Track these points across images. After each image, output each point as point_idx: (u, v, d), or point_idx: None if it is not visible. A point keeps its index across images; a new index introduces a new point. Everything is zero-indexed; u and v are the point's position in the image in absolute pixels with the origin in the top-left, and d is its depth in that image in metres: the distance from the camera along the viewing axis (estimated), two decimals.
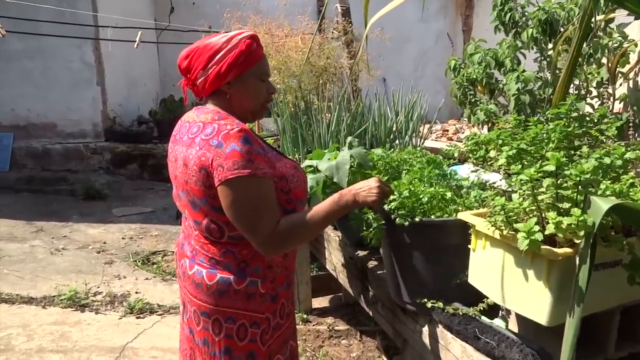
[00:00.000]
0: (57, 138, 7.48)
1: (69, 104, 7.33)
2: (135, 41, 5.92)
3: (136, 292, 3.84)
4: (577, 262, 1.07)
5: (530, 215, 1.29)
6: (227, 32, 1.59)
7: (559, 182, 1.24)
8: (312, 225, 1.50)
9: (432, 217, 1.71)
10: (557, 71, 2.59)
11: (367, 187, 1.56)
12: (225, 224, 1.48)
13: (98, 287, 3.94)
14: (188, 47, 1.57)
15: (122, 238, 5.10)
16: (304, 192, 1.61)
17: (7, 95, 7.31)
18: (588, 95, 2.56)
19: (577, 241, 1.15)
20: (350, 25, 5.04)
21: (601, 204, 1.02)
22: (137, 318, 3.47)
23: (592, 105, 2.53)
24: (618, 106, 2.52)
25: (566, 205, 1.20)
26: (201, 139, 1.46)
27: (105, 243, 4.94)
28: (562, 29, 2.60)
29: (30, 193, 6.68)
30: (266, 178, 1.45)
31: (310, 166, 2.30)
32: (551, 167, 1.22)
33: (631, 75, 2.48)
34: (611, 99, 2.50)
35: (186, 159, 1.48)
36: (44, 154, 7.41)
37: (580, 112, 1.72)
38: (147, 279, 4.11)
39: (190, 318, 1.61)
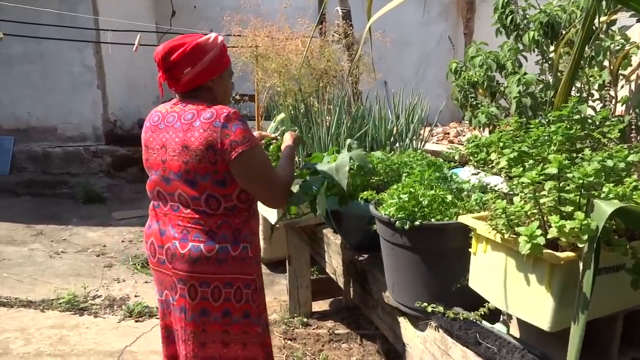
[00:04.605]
0: (57, 141, 7.46)
1: (70, 108, 7.32)
2: (134, 44, 5.91)
3: (135, 296, 3.83)
4: (581, 266, 1.05)
5: (532, 219, 1.27)
6: (206, 33, 1.81)
7: (561, 185, 1.22)
8: (289, 171, 1.90)
9: (433, 220, 1.69)
10: (559, 74, 2.57)
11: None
12: (222, 197, 1.71)
13: (97, 290, 3.92)
14: (167, 44, 1.72)
15: (122, 241, 5.09)
16: None
17: (8, 98, 7.31)
18: (590, 98, 2.54)
19: (580, 245, 1.13)
20: (350, 28, 5.03)
21: (605, 207, 1.00)
22: (136, 322, 3.45)
23: (593, 108, 2.52)
24: (620, 109, 2.50)
25: (569, 208, 1.18)
26: (201, 122, 1.67)
27: (104, 246, 4.93)
28: (563, 32, 2.59)
29: (30, 196, 6.67)
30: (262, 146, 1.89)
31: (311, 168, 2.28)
32: (553, 170, 1.20)
33: (633, 77, 2.46)
34: (613, 101, 2.48)
35: (186, 141, 1.67)
36: (44, 157, 7.40)
37: (582, 115, 1.70)
38: (146, 282, 4.09)
39: (182, 297, 1.76)
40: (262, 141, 2.36)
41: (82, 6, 6.91)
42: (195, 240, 1.71)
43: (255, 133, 2.30)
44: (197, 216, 1.72)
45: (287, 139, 2.11)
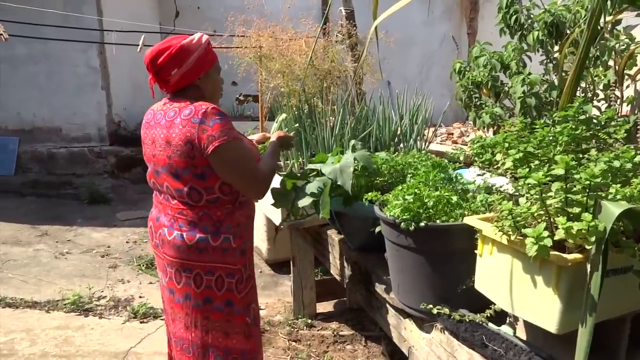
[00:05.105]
0: (62, 142, 7.47)
1: (74, 108, 7.34)
2: (138, 45, 5.92)
3: (140, 297, 3.83)
4: (588, 268, 1.04)
5: (539, 220, 1.26)
6: (191, 33, 1.91)
7: (568, 186, 1.21)
8: (270, 164, 1.96)
9: (438, 221, 1.69)
10: (564, 74, 2.56)
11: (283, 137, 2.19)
12: (204, 189, 1.81)
13: (102, 291, 3.93)
14: (155, 48, 1.83)
15: (126, 242, 5.09)
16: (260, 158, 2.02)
17: (13, 99, 7.33)
18: (595, 98, 2.53)
19: (587, 247, 1.12)
20: (354, 28, 5.02)
21: (613, 209, 0.99)
22: (141, 323, 3.45)
23: (599, 108, 2.50)
24: (625, 109, 2.49)
25: (576, 209, 1.17)
26: (181, 119, 1.77)
27: (109, 247, 4.93)
28: (568, 31, 2.57)
29: (35, 197, 6.69)
30: (243, 140, 1.88)
31: (314, 170, 2.28)
32: (560, 171, 1.20)
33: (639, 77, 2.45)
34: (618, 101, 2.47)
35: (169, 137, 1.78)
36: (49, 158, 7.41)
37: (588, 115, 1.69)
38: (150, 283, 4.09)
39: (171, 280, 1.90)
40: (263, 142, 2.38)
41: (87, 7, 6.92)
42: (180, 229, 1.84)
43: (258, 135, 2.42)
44: (181, 207, 1.84)
45: (273, 136, 2.22)
